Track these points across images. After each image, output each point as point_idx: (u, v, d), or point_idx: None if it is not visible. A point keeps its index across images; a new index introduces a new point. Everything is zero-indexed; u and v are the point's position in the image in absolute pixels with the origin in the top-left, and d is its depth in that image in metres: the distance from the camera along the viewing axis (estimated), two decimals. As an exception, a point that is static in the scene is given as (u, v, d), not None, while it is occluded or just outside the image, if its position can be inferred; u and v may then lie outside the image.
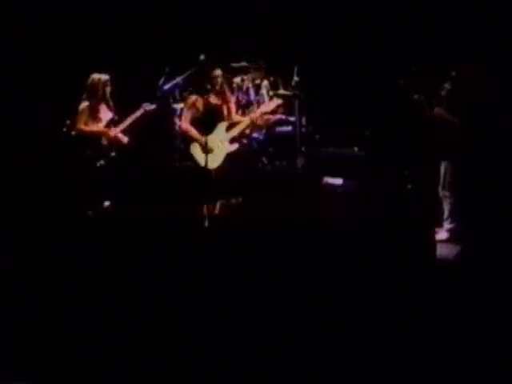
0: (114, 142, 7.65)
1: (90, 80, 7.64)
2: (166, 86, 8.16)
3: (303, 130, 8.38)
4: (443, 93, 6.98)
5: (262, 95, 8.74)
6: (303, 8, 9.10)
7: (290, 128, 8.59)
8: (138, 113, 7.73)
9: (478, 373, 4.42)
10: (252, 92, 8.75)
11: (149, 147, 8.18)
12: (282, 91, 8.58)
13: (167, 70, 8.14)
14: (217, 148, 7.48)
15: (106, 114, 7.71)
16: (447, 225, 6.98)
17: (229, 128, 7.64)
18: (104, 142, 7.65)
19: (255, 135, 8.33)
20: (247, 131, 8.12)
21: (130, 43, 8.92)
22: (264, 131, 8.44)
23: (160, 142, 8.17)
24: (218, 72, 7.58)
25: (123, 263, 5.66)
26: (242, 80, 8.73)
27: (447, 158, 6.97)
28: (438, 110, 7.01)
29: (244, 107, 8.58)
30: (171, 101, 8.34)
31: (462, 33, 8.14)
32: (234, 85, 8.64)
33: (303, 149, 8.23)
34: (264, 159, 8.37)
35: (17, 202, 6.97)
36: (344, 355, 4.64)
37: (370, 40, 8.82)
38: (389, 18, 8.77)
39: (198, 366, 4.60)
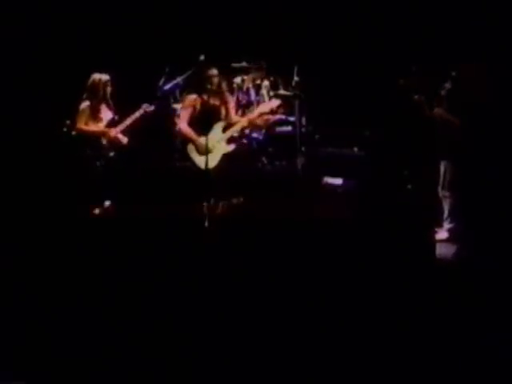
0: (114, 142, 7.65)
1: (90, 80, 7.64)
2: (167, 86, 8.15)
3: (303, 130, 8.38)
4: (443, 92, 6.98)
5: (262, 95, 8.74)
6: (303, 8, 9.10)
7: (289, 128, 8.58)
8: (138, 113, 7.74)
9: (478, 373, 4.42)
10: (252, 92, 8.75)
11: (149, 147, 8.18)
12: (282, 91, 8.58)
13: (167, 70, 8.14)
14: (213, 148, 7.46)
15: (106, 114, 7.72)
16: (447, 224, 6.99)
17: (225, 128, 7.61)
18: (104, 142, 7.66)
19: (255, 135, 8.33)
20: (247, 131, 8.12)
21: (130, 43, 8.92)
22: (264, 131, 8.43)
23: (160, 142, 8.17)
24: (214, 71, 7.54)
25: (123, 263, 5.66)
26: (243, 80, 8.73)
27: (447, 157, 6.97)
28: (437, 110, 7.02)
29: (244, 107, 8.58)
30: (171, 101, 8.34)
31: (462, 33, 8.13)
32: (235, 85, 8.64)
33: (303, 149, 8.23)
34: (264, 159, 8.36)
35: (17, 202, 6.97)
36: (344, 355, 4.64)
37: (369, 40, 8.81)
38: (389, 18, 8.76)
39: (198, 366, 4.60)
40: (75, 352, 4.72)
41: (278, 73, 8.83)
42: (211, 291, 5.32)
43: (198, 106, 7.55)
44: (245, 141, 8.12)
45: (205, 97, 7.50)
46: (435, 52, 7.97)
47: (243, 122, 7.72)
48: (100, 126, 7.66)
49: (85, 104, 7.61)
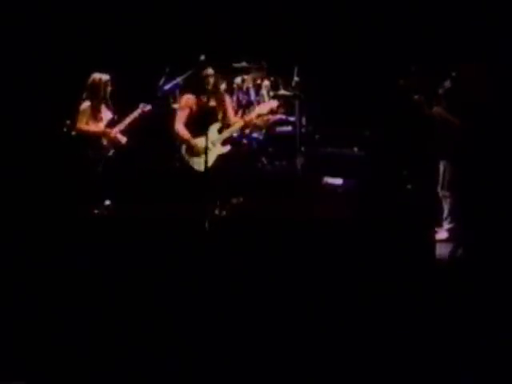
0: (114, 142, 7.66)
1: (90, 80, 7.64)
2: (167, 87, 8.15)
3: (303, 130, 8.39)
4: (441, 91, 6.98)
5: (262, 95, 8.74)
6: (303, 8, 9.10)
7: (289, 128, 8.59)
8: (136, 113, 7.75)
9: (478, 373, 4.42)
10: (252, 92, 8.76)
11: (149, 147, 8.18)
12: (282, 91, 8.59)
13: (167, 70, 8.14)
14: (208, 149, 7.41)
15: (106, 114, 7.72)
16: (447, 224, 6.99)
17: (221, 129, 7.57)
18: (105, 142, 7.66)
19: (255, 135, 8.33)
20: (247, 131, 8.12)
21: (130, 43, 8.92)
22: (264, 131, 8.44)
23: (160, 142, 8.17)
24: (210, 71, 7.49)
25: (123, 263, 5.66)
26: (243, 80, 8.73)
27: (446, 157, 6.97)
28: (437, 109, 7.02)
29: (244, 107, 8.57)
30: (171, 101, 8.34)
31: (462, 33, 8.13)
32: (235, 85, 8.64)
33: (303, 149, 8.24)
34: (264, 159, 8.36)
35: (17, 202, 6.97)
36: (344, 355, 4.64)
37: (369, 40, 8.82)
38: (389, 18, 8.77)
39: (198, 366, 4.60)
40: (75, 352, 4.72)
41: (278, 73, 8.83)
42: (211, 291, 5.32)
43: (195, 107, 7.51)
44: (245, 141, 8.12)
45: (201, 97, 7.47)
46: (435, 52, 7.98)
47: (240, 123, 7.66)
48: (100, 126, 7.66)
49: (86, 104, 7.61)
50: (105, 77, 7.65)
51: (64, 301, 5.24)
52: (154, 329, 4.94)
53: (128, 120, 7.72)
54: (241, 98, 8.62)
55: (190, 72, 7.98)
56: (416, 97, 7.10)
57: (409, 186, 7.48)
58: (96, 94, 7.62)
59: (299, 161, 8.12)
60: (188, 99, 7.56)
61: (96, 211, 7.24)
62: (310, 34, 9.05)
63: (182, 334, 4.89)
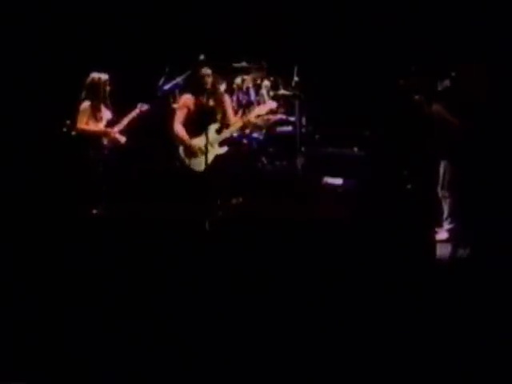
0: (113, 141, 7.66)
1: (89, 79, 7.65)
2: (166, 86, 8.14)
3: (303, 130, 8.37)
4: (440, 88, 6.97)
5: (262, 95, 8.73)
6: (303, 8, 9.10)
7: (290, 128, 8.58)
8: (134, 113, 7.76)
9: (478, 373, 4.42)
10: (252, 92, 8.75)
11: (149, 147, 8.18)
12: (282, 91, 8.58)
13: (167, 70, 8.14)
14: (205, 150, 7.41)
15: (105, 114, 7.73)
16: (447, 225, 6.99)
17: (220, 130, 7.56)
18: (105, 142, 7.67)
19: (255, 135, 8.32)
20: (247, 131, 8.11)
21: (130, 43, 8.91)
22: (264, 131, 8.43)
23: (160, 142, 8.17)
24: (206, 71, 7.49)
25: (123, 263, 5.66)
26: (243, 80, 8.72)
27: (446, 157, 6.97)
28: (436, 107, 7.01)
29: (244, 107, 8.57)
30: (171, 101, 8.33)
31: (462, 33, 8.13)
32: (235, 85, 8.63)
33: (303, 149, 8.23)
34: (264, 159, 8.36)
35: (17, 202, 6.97)
36: (344, 355, 4.64)
37: (369, 40, 8.81)
38: (388, 18, 8.76)
39: (198, 366, 4.60)
40: (75, 352, 4.72)
41: (278, 73, 8.82)
42: (211, 291, 5.32)
43: (193, 107, 7.51)
44: (245, 141, 8.12)
45: (200, 97, 7.46)
46: (435, 52, 7.97)
47: (238, 124, 7.66)
48: (100, 126, 7.67)
49: (86, 104, 7.61)
50: (104, 76, 7.66)
51: (64, 301, 5.24)
52: (154, 329, 4.94)
53: (126, 120, 7.73)
54: (241, 98, 8.61)
55: (188, 72, 7.98)
56: (416, 97, 7.10)
57: (409, 186, 7.48)
58: (96, 93, 7.63)
59: (299, 161, 8.11)
60: (186, 99, 7.56)
61: (94, 211, 7.24)
62: (310, 34, 9.04)
63: (182, 335, 4.89)
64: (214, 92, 7.54)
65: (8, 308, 5.13)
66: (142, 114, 7.78)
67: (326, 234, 5.88)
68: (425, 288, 5.28)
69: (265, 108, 7.93)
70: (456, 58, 7.47)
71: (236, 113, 8.08)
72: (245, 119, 7.77)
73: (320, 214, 6.86)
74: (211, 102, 7.46)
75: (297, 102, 8.33)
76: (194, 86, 7.57)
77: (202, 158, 7.30)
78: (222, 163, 7.42)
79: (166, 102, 8.23)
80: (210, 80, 7.48)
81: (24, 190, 7.29)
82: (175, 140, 7.57)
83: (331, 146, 8.42)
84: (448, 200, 6.98)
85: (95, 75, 7.64)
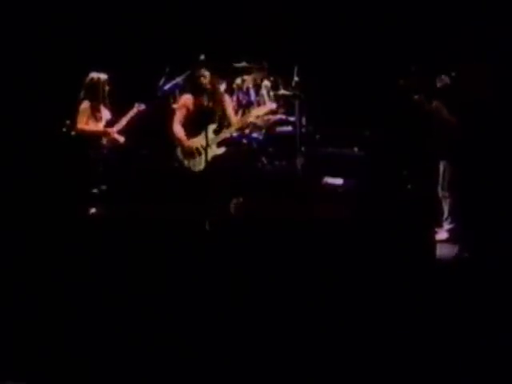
0: (113, 141, 7.67)
1: (88, 79, 7.65)
2: (167, 86, 8.14)
3: (303, 130, 8.37)
4: (439, 84, 6.97)
5: (262, 95, 8.73)
6: (303, 8, 9.09)
7: (290, 128, 8.57)
8: (132, 113, 7.76)
9: (478, 373, 4.42)
10: (252, 92, 8.74)
11: (149, 147, 8.18)
12: (282, 91, 8.57)
13: (167, 70, 8.14)
14: (202, 151, 7.40)
15: (105, 114, 7.73)
16: (447, 225, 6.99)
17: (218, 130, 7.55)
18: (104, 141, 7.67)
19: (255, 135, 8.32)
20: (247, 131, 8.11)
21: (130, 43, 8.91)
22: (264, 131, 8.43)
23: (160, 142, 8.17)
24: (204, 72, 7.48)
25: (123, 263, 5.66)
26: (243, 80, 8.72)
27: (446, 157, 6.97)
28: (436, 104, 7.00)
29: (244, 107, 8.56)
30: (171, 101, 8.33)
31: (462, 33, 8.13)
32: (235, 85, 8.63)
33: (303, 149, 8.22)
34: (264, 159, 8.35)
35: (17, 202, 6.96)
36: (344, 355, 4.64)
37: (369, 40, 8.81)
38: (388, 17, 8.76)
39: (198, 366, 4.60)
40: (75, 352, 4.72)
41: (278, 73, 8.82)
42: (211, 291, 5.32)
43: (192, 107, 7.50)
44: (245, 141, 8.11)
45: (199, 97, 7.45)
46: (435, 52, 7.97)
47: (237, 124, 7.65)
48: (100, 126, 7.67)
49: (86, 104, 7.61)
50: (103, 76, 7.66)
51: (64, 301, 5.24)
52: (154, 329, 4.94)
53: (125, 120, 7.74)
54: (241, 98, 8.61)
55: (188, 72, 7.98)
56: (416, 97, 7.10)
57: (409, 186, 7.48)
58: (95, 93, 7.63)
59: (299, 161, 8.11)
60: (186, 99, 7.56)
61: (94, 211, 7.23)
62: (310, 34, 9.04)
63: (182, 335, 4.89)
64: (213, 92, 7.54)
65: (8, 308, 5.13)
66: (139, 114, 7.78)
67: (326, 234, 5.87)
68: (425, 288, 5.28)
69: (264, 109, 7.94)
70: (456, 57, 7.47)
71: (236, 113, 8.07)
72: (243, 120, 7.76)
73: (320, 213, 6.86)
74: (210, 103, 7.46)
75: (297, 102, 8.32)
76: (193, 86, 7.57)
77: (200, 159, 7.30)
78: (220, 163, 7.42)
79: (166, 102, 8.23)
80: (207, 81, 7.48)
81: (24, 190, 7.29)
82: (174, 140, 7.57)
83: (331, 145, 8.41)
84: (448, 200, 6.98)
85: (94, 75, 7.64)
